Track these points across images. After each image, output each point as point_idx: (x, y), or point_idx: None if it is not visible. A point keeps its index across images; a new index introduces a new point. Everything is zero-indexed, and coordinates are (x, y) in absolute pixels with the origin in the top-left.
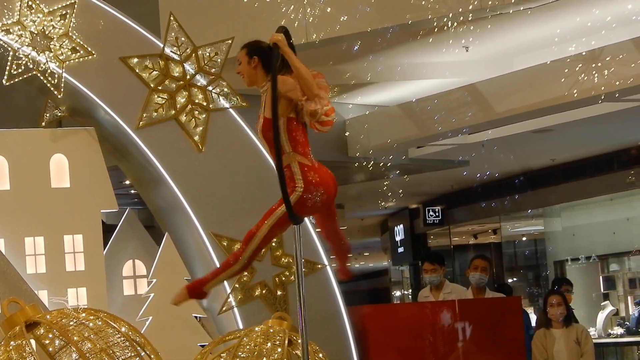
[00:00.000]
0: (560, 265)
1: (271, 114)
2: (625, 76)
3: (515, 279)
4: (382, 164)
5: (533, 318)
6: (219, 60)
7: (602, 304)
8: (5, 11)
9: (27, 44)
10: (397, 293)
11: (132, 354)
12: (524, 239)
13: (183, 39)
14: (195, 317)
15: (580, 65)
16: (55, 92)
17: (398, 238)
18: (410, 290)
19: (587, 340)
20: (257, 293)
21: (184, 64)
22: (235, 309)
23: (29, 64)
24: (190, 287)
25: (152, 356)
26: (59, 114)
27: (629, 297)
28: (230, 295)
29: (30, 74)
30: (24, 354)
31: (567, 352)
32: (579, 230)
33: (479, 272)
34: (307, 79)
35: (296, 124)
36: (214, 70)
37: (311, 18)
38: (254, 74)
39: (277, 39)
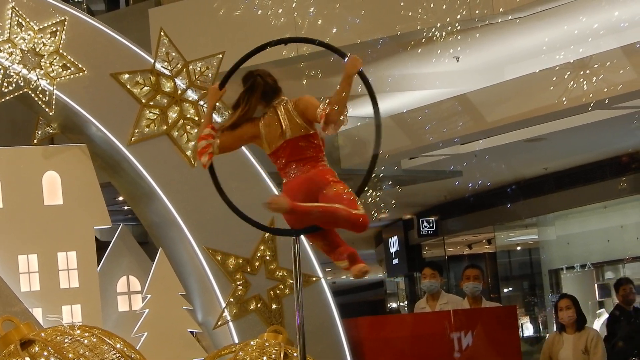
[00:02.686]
0: (555, 274)
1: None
2: (614, 83)
3: (510, 289)
4: (374, 175)
5: (529, 327)
6: (210, 74)
7: (597, 311)
8: None
9: (17, 61)
10: (393, 305)
11: None
12: (519, 248)
13: (174, 54)
14: (191, 332)
15: (569, 73)
16: (47, 110)
17: (393, 250)
18: (406, 302)
19: (597, 347)
20: (252, 307)
21: (175, 79)
22: (231, 323)
23: (19, 81)
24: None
25: None
26: (51, 131)
27: None
28: (225, 310)
29: (21, 92)
30: None
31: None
32: (574, 239)
33: (472, 281)
34: (342, 103)
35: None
36: (205, 84)
37: (302, 30)
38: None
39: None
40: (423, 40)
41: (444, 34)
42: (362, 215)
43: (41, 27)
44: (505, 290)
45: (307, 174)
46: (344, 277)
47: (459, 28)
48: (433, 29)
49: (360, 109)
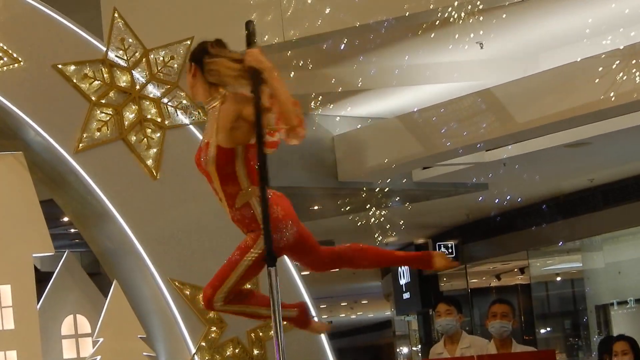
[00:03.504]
0: (603, 310)
1: (224, 141)
2: None
3: (549, 329)
4: (378, 189)
5: None
6: (175, 65)
7: None
8: None
9: None
10: (404, 350)
11: None
12: (559, 279)
13: (131, 40)
14: None
15: (618, 62)
16: None
17: (403, 281)
18: (419, 346)
19: None
20: (228, 353)
21: (133, 72)
22: None
23: None
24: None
25: None
26: None
27: None
28: (196, 357)
29: None
30: None
31: None
32: (626, 267)
33: (498, 319)
34: (288, 106)
35: (252, 151)
36: (169, 78)
37: (289, 11)
38: (192, 84)
39: (256, 59)
40: (437, 23)
41: (463, 14)
42: None
43: None
44: (542, 330)
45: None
46: (343, 315)
47: (481, 7)
48: (449, 9)
49: (360, 108)
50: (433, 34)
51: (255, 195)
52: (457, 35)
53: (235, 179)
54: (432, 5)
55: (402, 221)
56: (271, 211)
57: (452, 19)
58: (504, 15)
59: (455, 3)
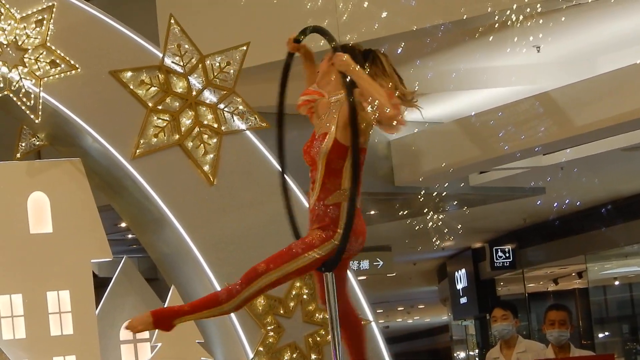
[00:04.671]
0: None
1: (342, 137)
2: None
3: (607, 333)
4: (436, 194)
5: None
6: (231, 71)
7: None
8: None
9: None
10: (461, 354)
11: None
12: (617, 283)
13: (187, 46)
14: None
15: None
16: (32, 116)
17: (460, 286)
18: (476, 351)
19: None
20: (286, 358)
21: (189, 77)
22: None
23: None
24: (157, 314)
25: None
26: (37, 143)
27: None
28: None
29: (0, 95)
30: None
31: None
32: None
33: (556, 328)
34: (381, 99)
35: (363, 156)
36: (225, 84)
37: (344, 15)
38: (327, 71)
39: (346, 62)
40: (496, 26)
41: (521, 17)
42: None
43: (24, 14)
44: (600, 335)
45: None
46: (400, 320)
47: (539, 10)
48: (508, 12)
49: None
50: (491, 37)
51: (347, 201)
52: (516, 39)
53: (339, 177)
54: (489, 9)
55: (460, 225)
56: (355, 221)
57: (510, 22)
58: (563, 19)
59: (514, 6)
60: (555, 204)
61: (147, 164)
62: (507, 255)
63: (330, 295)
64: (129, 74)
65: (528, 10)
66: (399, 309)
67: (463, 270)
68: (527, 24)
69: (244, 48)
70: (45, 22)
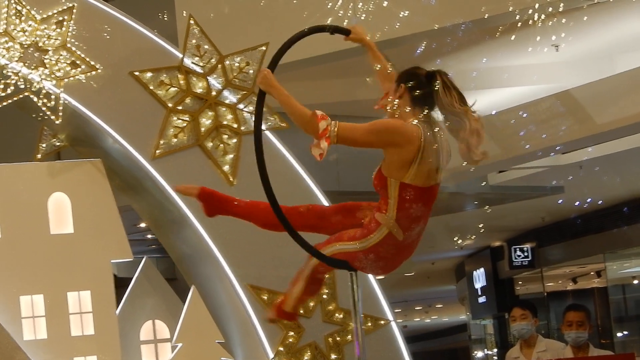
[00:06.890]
0: None
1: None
2: None
3: (626, 332)
4: (455, 193)
5: None
6: (251, 71)
7: None
8: None
9: (16, 58)
10: (479, 354)
11: None
12: (636, 281)
13: (206, 46)
14: None
15: None
16: (53, 117)
17: (478, 285)
18: (495, 350)
19: None
20: (306, 357)
21: (208, 78)
22: None
23: (19, 83)
24: (205, 192)
25: None
26: (58, 144)
27: None
28: None
29: (21, 96)
30: None
31: None
32: None
33: (574, 329)
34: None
35: (414, 194)
36: (245, 84)
37: (363, 14)
38: (401, 105)
39: (267, 81)
40: (519, 25)
41: (543, 16)
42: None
43: (45, 16)
44: (620, 334)
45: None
46: (418, 319)
47: (561, 9)
48: (530, 11)
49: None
50: (513, 36)
51: (389, 227)
52: (538, 38)
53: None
54: (511, 8)
55: (480, 224)
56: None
57: (531, 21)
58: (585, 18)
59: (537, 5)
60: (577, 202)
61: (167, 164)
62: (526, 254)
63: (354, 294)
64: (149, 74)
65: (550, 9)
66: (417, 308)
67: (481, 269)
68: (548, 22)
69: (263, 48)
70: (65, 22)
